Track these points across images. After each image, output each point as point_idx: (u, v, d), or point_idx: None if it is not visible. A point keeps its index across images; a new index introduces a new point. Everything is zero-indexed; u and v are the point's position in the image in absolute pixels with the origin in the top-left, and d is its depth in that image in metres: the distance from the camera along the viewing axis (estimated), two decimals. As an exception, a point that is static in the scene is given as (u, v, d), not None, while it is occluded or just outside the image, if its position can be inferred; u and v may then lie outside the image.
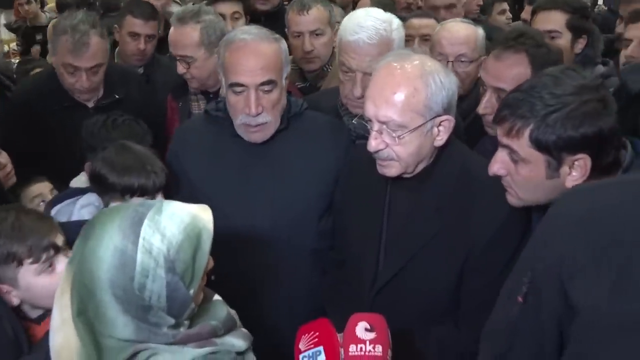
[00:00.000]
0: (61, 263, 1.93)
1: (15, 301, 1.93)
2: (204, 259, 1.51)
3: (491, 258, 2.03)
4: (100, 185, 2.34)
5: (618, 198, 1.36)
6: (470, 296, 2.08)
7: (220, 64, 2.41)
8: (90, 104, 3.24)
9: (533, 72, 2.32)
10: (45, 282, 1.90)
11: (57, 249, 1.93)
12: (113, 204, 2.23)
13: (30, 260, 1.90)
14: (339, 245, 2.39)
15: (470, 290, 2.08)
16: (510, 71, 2.40)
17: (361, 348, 1.55)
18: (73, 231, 1.66)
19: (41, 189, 2.89)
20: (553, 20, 3.20)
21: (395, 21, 2.61)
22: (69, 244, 1.83)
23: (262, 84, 2.31)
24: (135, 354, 1.47)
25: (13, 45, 6.72)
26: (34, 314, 1.98)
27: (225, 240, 2.33)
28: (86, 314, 1.46)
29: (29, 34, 6.26)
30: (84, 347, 1.45)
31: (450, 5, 4.16)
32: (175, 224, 1.47)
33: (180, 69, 3.19)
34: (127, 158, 2.32)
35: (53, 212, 2.37)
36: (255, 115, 2.31)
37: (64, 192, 2.51)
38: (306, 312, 2.21)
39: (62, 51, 3.07)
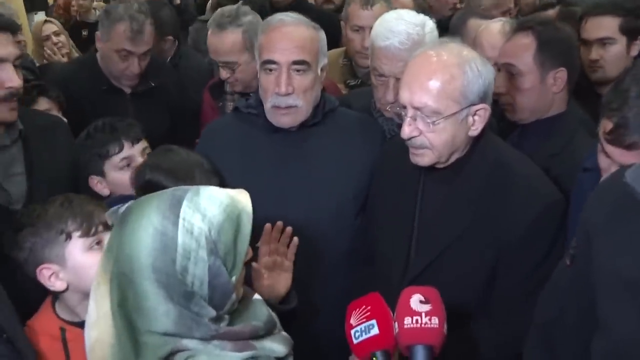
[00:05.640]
0: None
1: (60, 285, 1.89)
2: (245, 243, 1.47)
3: (526, 252, 2.00)
4: None
5: None
6: (504, 291, 2.05)
7: (257, 46, 2.39)
8: (128, 90, 3.35)
9: (538, 47, 2.48)
10: (92, 261, 1.84)
11: (107, 227, 1.88)
12: None
13: (79, 233, 1.88)
14: (371, 239, 2.35)
15: (504, 285, 2.05)
16: (516, 46, 2.56)
17: (417, 320, 1.47)
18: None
19: None
20: (605, 27, 3.06)
21: (429, 23, 2.56)
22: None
23: (295, 62, 2.27)
24: (173, 353, 1.40)
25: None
26: (82, 310, 1.89)
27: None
28: (126, 306, 1.40)
29: (76, 29, 6.31)
30: (120, 345, 1.39)
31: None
32: (215, 204, 1.43)
33: (224, 74, 3.17)
34: (177, 161, 2.25)
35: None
36: (285, 94, 2.28)
37: (109, 200, 2.45)
38: (341, 312, 2.13)
39: (119, 38, 3.20)
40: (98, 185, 2.55)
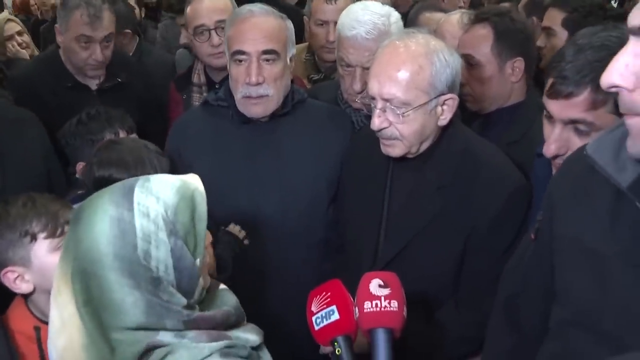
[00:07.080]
0: None
1: (26, 287, 1.85)
2: (203, 222, 1.45)
3: (494, 237, 2.04)
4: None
5: None
6: (472, 277, 2.08)
7: (226, 39, 2.40)
8: (94, 86, 3.29)
9: (495, 37, 2.54)
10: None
11: None
12: None
13: (44, 234, 1.84)
14: (341, 228, 2.37)
15: (471, 272, 2.08)
16: (474, 38, 2.61)
17: (376, 304, 1.48)
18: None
19: None
20: (550, 17, 3.26)
21: (394, 14, 2.60)
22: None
23: (265, 52, 2.30)
24: (149, 350, 1.35)
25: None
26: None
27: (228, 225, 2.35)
28: (92, 304, 1.34)
29: (37, 27, 6.21)
30: (94, 344, 1.34)
31: None
32: (167, 187, 1.41)
33: (216, 40, 3.07)
34: (123, 153, 2.20)
35: None
36: (255, 84, 2.30)
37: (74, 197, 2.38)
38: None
39: (76, 25, 3.13)
40: None
